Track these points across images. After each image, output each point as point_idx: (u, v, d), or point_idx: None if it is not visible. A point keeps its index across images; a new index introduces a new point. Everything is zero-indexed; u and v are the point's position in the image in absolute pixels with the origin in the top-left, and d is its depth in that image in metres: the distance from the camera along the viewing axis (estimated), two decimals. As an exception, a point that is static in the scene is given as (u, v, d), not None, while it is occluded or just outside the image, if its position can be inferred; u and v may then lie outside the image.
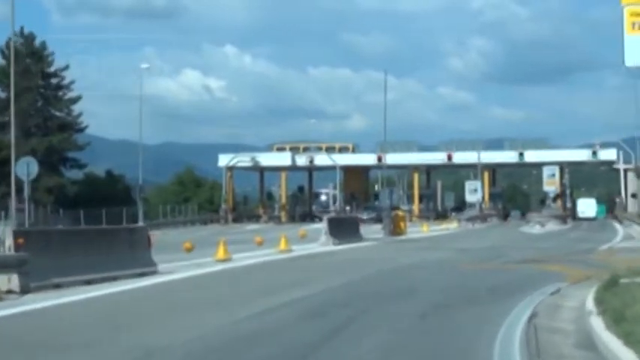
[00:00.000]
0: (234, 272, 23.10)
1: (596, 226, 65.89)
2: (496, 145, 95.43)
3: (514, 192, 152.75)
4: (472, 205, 77.81)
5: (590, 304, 12.76)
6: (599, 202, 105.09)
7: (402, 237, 46.07)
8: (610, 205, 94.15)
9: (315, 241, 37.27)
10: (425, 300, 15.70)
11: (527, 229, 60.57)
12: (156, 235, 28.05)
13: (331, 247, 35.57)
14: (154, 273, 21.12)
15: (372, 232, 48.85)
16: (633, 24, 19.57)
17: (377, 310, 14.35)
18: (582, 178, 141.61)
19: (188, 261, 25.41)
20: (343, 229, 39.58)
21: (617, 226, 66.21)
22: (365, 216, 65.55)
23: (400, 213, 49.22)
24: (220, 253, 26.57)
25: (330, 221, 38.41)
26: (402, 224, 47.35)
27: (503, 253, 30.86)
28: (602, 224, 71.31)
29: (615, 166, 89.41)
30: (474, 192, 76.70)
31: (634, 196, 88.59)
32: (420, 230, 53.84)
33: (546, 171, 77.38)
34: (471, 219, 71.36)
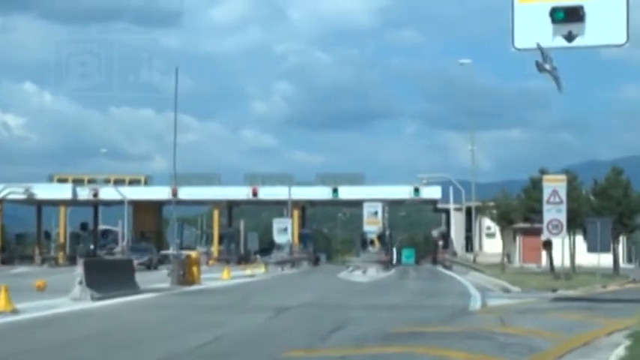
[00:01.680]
0: None
1: (427, 274, 56.73)
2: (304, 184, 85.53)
3: (317, 235, 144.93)
4: (281, 246, 67.05)
5: None
6: (414, 245, 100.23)
7: (195, 286, 34.83)
8: (433, 249, 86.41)
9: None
10: None
11: (348, 276, 50.51)
12: None
13: (87, 304, 24.03)
14: None
15: (157, 279, 37.53)
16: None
17: None
18: (405, 218, 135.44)
19: None
20: (110, 276, 27.90)
21: (449, 273, 57.23)
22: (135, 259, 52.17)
23: (193, 255, 37.83)
24: None
25: (89, 265, 26.56)
26: (194, 270, 36.02)
27: (342, 318, 20.16)
28: (431, 271, 62.44)
29: (440, 205, 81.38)
30: (284, 231, 66.02)
31: (444, 238, 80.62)
32: (220, 277, 42.62)
33: (367, 208, 67.68)
34: (281, 262, 60.77)
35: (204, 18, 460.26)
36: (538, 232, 71.62)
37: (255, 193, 77.98)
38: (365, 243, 68.38)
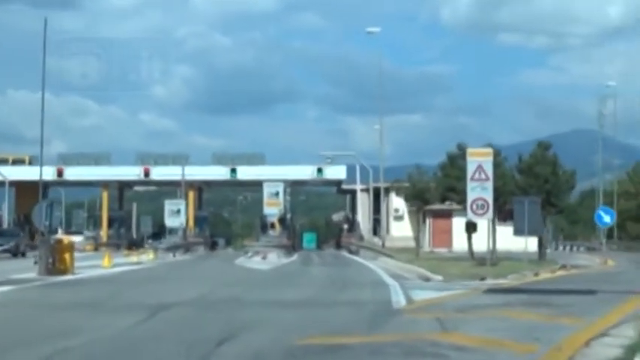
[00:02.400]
0: None
1: (332, 260, 52.36)
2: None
3: (216, 218, 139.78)
4: (174, 230, 61.66)
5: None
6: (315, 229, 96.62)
7: (67, 276, 29.64)
8: (337, 233, 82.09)
9: None
10: None
11: (247, 262, 45.76)
12: None
13: None
14: None
15: (23, 267, 32.36)
16: None
17: None
18: (305, 202, 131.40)
19: None
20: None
21: (356, 258, 52.95)
22: None
23: (65, 240, 32.56)
24: None
25: None
26: (66, 257, 30.73)
27: (234, 321, 15.51)
28: (337, 257, 58.12)
29: (345, 186, 77.02)
30: (176, 214, 60.60)
31: (350, 221, 76.49)
32: (100, 265, 37.37)
33: (268, 188, 62.76)
34: (172, 248, 55.59)
35: (103, 0, 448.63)
36: (449, 214, 68.19)
37: (147, 173, 72.56)
38: (265, 226, 63.49)
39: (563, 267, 35.53)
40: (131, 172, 73.57)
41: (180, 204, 61.55)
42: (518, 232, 35.17)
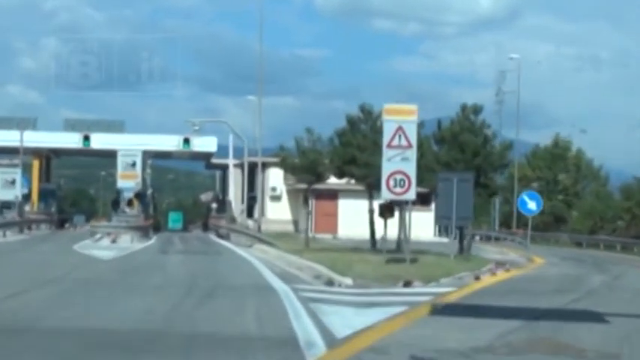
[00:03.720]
0: None
1: (198, 245, 43.39)
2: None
3: (79, 195, 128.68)
4: (9, 204, 51.39)
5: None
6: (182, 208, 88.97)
7: None
8: (205, 213, 72.77)
9: None
10: None
11: (90, 246, 36.34)
12: None
13: None
14: None
15: None
16: None
17: None
18: (173, 182, 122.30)
19: None
20: None
21: (227, 244, 44.14)
22: None
23: None
24: None
25: None
26: None
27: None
28: (203, 241, 49.01)
29: (215, 160, 67.45)
30: (11, 185, 50.31)
31: (219, 201, 67.50)
32: None
33: (123, 157, 52.89)
34: (3, 225, 45.41)
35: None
36: (334, 195, 59.80)
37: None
38: (117, 203, 53.55)
39: (506, 268, 27.10)
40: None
41: (15, 173, 51.16)
42: (442, 219, 27.09)
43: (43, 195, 63.06)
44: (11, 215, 51.15)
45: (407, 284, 20.36)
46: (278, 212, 61.23)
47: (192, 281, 20.38)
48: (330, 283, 20.70)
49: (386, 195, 24.44)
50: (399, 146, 24.10)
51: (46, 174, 69.17)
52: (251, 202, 59.29)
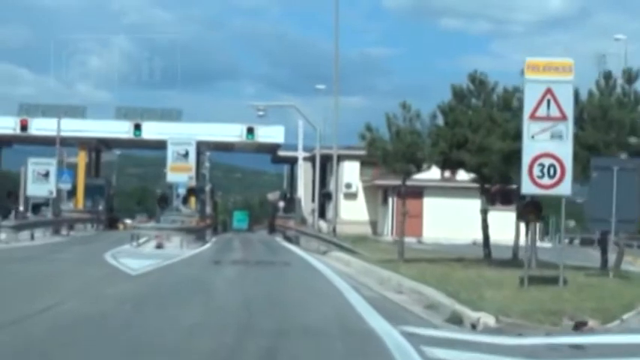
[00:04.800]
0: None
1: (261, 251, 36.36)
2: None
3: (145, 194, 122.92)
4: (46, 201, 44.53)
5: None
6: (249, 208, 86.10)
7: None
8: (272, 213, 65.73)
9: None
10: None
11: (129, 253, 29.43)
12: None
13: None
14: None
15: None
16: None
17: None
18: (241, 180, 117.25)
19: None
20: None
21: (296, 250, 37.05)
22: None
23: None
24: None
25: None
26: None
27: None
28: (268, 246, 41.83)
29: (282, 153, 59.79)
30: (44, 179, 43.06)
31: (286, 199, 60.38)
32: None
33: (173, 147, 45.66)
34: (25, 226, 38.34)
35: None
36: (419, 193, 52.12)
37: (24, 127, 55.46)
38: (165, 200, 46.12)
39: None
40: (4, 125, 56.36)
41: (50, 165, 44.16)
42: (595, 222, 19.53)
43: (90, 191, 56.40)
44: (45, 214, 44.58)
45: (579, 326, 12.91)
46: (353, 212, 53.91)
47: (244, 318, 13.10)
48: (455, 319, 13.35)
49: (528, 188, 16.85)
50: (548, 117, 16.55)
51: (95, 168, 62.84)
52: (322, 201, 52.02)
